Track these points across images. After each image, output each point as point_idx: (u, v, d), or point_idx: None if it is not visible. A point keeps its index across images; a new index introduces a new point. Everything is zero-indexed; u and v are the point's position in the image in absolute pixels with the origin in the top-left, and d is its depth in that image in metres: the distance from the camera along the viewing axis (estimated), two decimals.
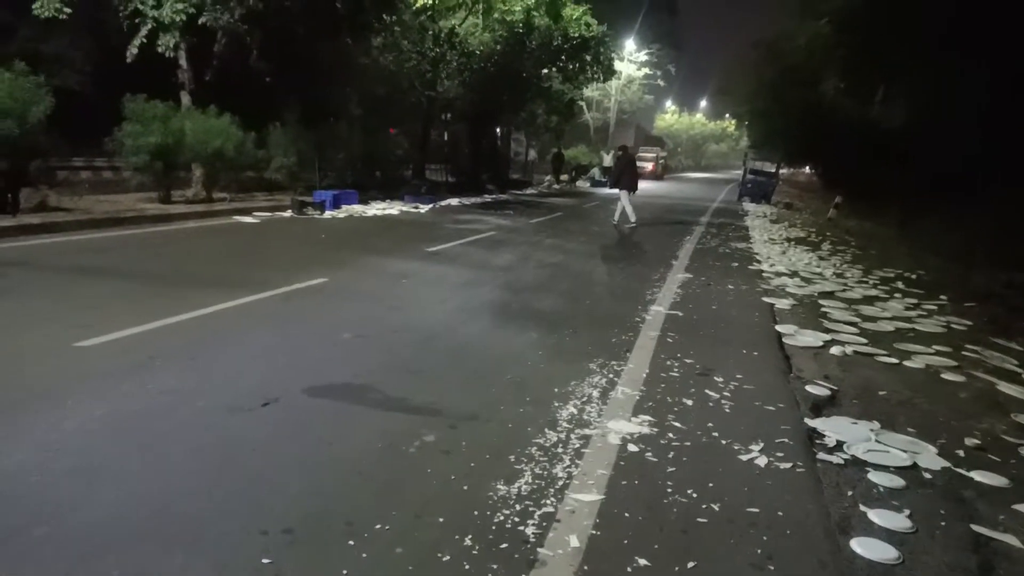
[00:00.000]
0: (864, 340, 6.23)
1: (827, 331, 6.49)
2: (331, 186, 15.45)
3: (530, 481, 3.07)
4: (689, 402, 4.26)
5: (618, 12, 37.72)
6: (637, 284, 8.28)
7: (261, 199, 13.94)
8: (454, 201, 18.35)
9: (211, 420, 3.53)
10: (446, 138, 25.65)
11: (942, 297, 8.85)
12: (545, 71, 26.82)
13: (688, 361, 5.13)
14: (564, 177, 33.53)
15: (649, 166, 45.95)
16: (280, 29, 15.39)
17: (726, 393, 4.47)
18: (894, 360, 5.64)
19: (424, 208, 15.84)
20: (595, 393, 4.29)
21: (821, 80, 17.95)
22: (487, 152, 27.63)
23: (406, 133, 23.66)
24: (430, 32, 21.26)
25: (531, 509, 2.83)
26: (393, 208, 15.20)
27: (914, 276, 10.55)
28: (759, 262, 10.80)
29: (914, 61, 12.16)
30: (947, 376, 5.32)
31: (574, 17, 26.12)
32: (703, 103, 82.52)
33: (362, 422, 3.64)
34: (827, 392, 4.67)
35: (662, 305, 7.06)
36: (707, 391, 4.48)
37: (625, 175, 14.76)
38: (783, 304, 7.58)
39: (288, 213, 12.68)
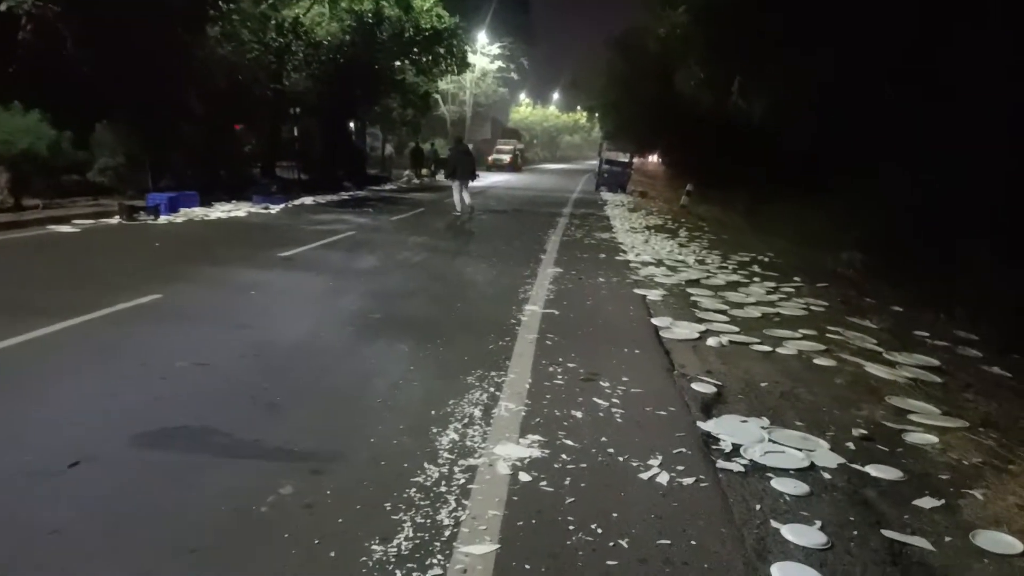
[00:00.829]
0: (736, 329, 6.23)
1: (700, 321, 6.46)
2: (168, 188, 14.04)
3: (411, 535, 2.59)
4: (578, 414, 3.93)
5: (470, 6, 37.52)
6: (508, 281, 7.95)
7: (84, 205, 12.36)
8: (308, 200, 17.29)
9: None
10: (296, 133, 24.25)
11: (796, 279, 9.21)
12: (398, 63, 26.09)
13: (571, 366, 4.82)
14: (424, 172, 32.88)
15: (507, 158, 46.23)
16: (101, 16, 13.74)
17: (615, 400, 4.19)
18: (768, 348, 5.64)
19: (275, 208, 14.75)
20: (477, 412, 3.86)
21: (674, 71, 18.47)
22: (342, 147, 26.46)
23: (254, 129, 22.14)
24: (272, 21, 19.94)
25: (414, 574, 2.36)
26: (240, 210, 14.02)
27: (766, 259, 10.98)
28: (625, 252, 10.82)
29: (763, 53, 12.64)
30: (819, 361, 5.37)
31: (425, 8, 25.56)
32: (556, 96, 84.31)
33: (202, 479, 2.99)
34: (713, 389, 4.52)
35: (536, 304, 6.76)
36: (595, 399, 4.18)
37: (460, 166, 15.25)
38: (654, 295, 7.51)
39: (116, 220, 11.28)
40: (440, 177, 33.03)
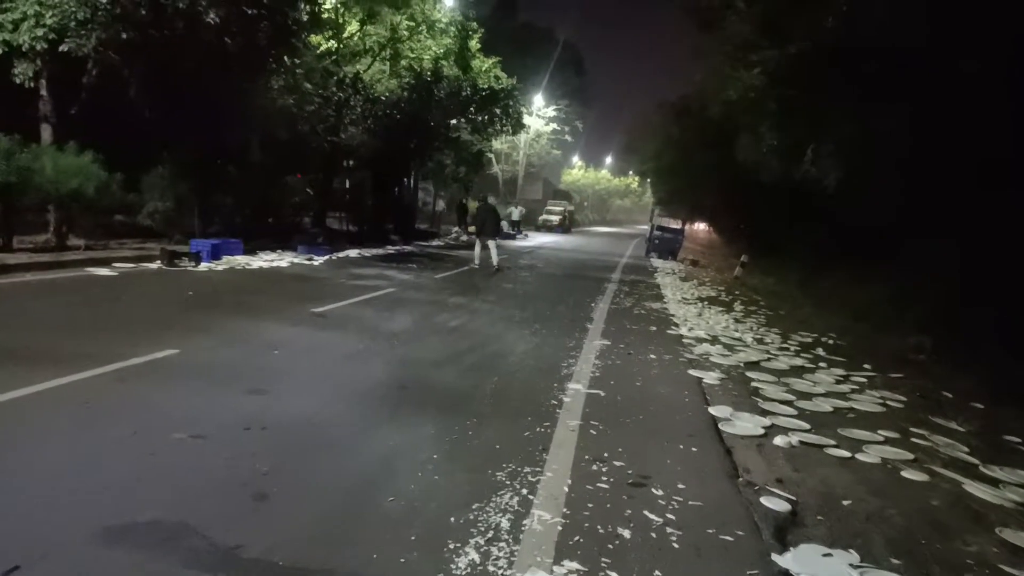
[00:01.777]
0: (806, 425, 5.50)
1: (764, 413, 5.75)
2: (216, 234, 13.98)
3: None
4: (626, 533, 3.28)
5: (527, 68, 38.08)
6: (551, 352, 7.35)
7: (128, 248, 12.30)
8: (353, 252, 17.10)
9: None
10: (347, 185, 24.40)
11: (866, 366, 8.42)
12: (454, 122, 26.30)
13: (618, 464, 4.17)
14: (471, 229, 32.84)
15: (557, 219, 46.13)
16: (163, 63, 14.00)
17: (670, 516, 3.52)
18: (845, 453, 4.90)
19: (319, 260, 14.54)
20: (504, 523, 3.24)
21: (736, 137, 17.93)
22: (393, 201, 26.55)
23: (308, 180, 22.31)
24: (334, 77, 20.25)
25: None
26: (283, 259, 13.83)
27: (831, 341, 10.17)
28: (677, 325, 10.15)
29: (842, 115, 12.01)
30: (909, 474, 4.60)
31: (483, 69, 25.87)
32: (608, 159, 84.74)
33: None
34: (787, 506, 3.81)
35: (581, 382, 6.14)
36: (646, 512, 3.52)
37: (487, 223, 16.25)
38: (711, 378, 6.82)
39: (156, 264, 11.13)
40: None
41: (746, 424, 5.39)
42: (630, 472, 4.06)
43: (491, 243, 16.07)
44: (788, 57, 11.98)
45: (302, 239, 15.91)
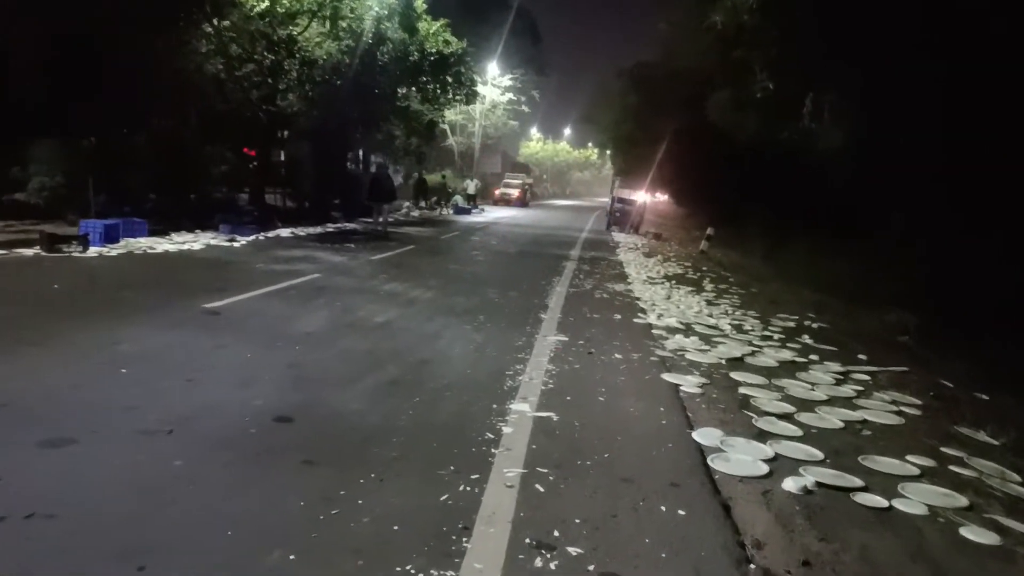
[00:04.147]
0: (818, 453, 4.23)
1: (763, 436, 4.48)
2: (127, 214, 12.19)
3: None
4: None
5: (479, 35, 36.13)
6: (495, 356, 5.97)
7: (9, 230, 10.51)
8: (286, 232, 15.43)
9: None
10: (283, 158, 22.53)
11: (861, 356, 7.28)
12: (403, 90, 24.55)
13: (574, 552, 2.80)
14: (423, 204, 31.26)
15: (516, 192, 44.59)
16: (55, 23, 12.07)
17: None
18: (880, 499, 3.64)
19: (242, 241, 12.88)
20: None
21: (708, 95, 16.45)
22: (337, 175, 24.71)
23: (235, 151, 20.39)
24: (265, 40, 18.32)
25: None
26: (199, 241, 12.15)
27: (814, 325, 9.02)
28: (644, 312, 8.86)
29: (864, 54, 10.23)
30: (971, 534, 3.35)
31: (431, 32, 24.05)
32: (567, 131, 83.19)
33: None
34: None
35: (527, 399, 4.77)
36: None
37: (382, 190, 18.18)
38: (690, 385, 5.52)
39: (34, 250, 9.40)
40: (446, 211, 31.33)
41: (743, 457, 4.09)
42: (591, 569, 2.71)
43: (385, 207, 18.32)
44: None
45: (225, 218, 14.18)
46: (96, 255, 9.63)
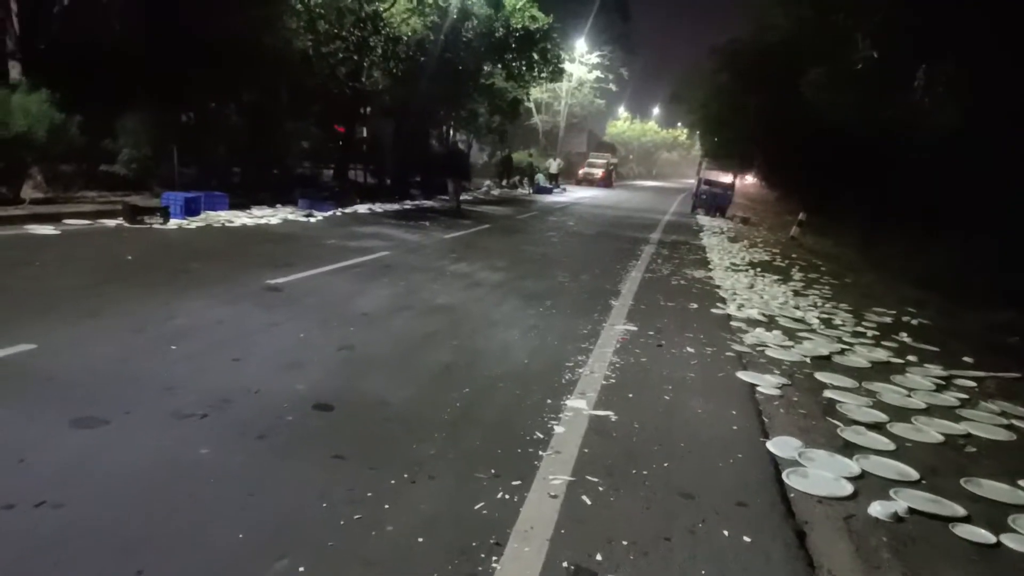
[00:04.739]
0: (913, 473, 3.72)
1: (848, 449, 3.99)
2: (208, 187, 12.47)
3: None
4: None
5: (567, 11, 35.33)
6: (556, 345, 5.64)
7: (96, 201, 10.88)
8: (363, 208, 15.49)
9: None
10: (365, 135, 22.70)
11: (966, 359, 6.58)
12: (487, 67, 24.25)
13: None
14: (504, 183, 31.05)
15: (599, 172, 43.73)
16: None
17: None
18: (985, 533, 3.13)
19: (319, 216, 12.97)
20: None
21: (802, 72, 15.32)
22: (418, 153, 24.75)
23: (321, 126, 20.65)
24: (352, 16, 18.37)
25: None
26: (277, 216, 12.29)
27: (914, 322, 8.25)
28: (724, 301, 8.32)
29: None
30: None
31: (517, 7, 23.60)
32: (656, 111, 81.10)
33: None
34: None
35: (585, 395, 4.42)
36: None
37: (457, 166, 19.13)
38: (768, 386, 5.03)
39: (117, 221, 9.67)
40: (527, 190, 31.01)
41: (824, 473, 3.63)
42: None
43: (455, 184, 18.21)
44: None
45: (304, 193, 14.31)
46: (175, 227, 9.82)
